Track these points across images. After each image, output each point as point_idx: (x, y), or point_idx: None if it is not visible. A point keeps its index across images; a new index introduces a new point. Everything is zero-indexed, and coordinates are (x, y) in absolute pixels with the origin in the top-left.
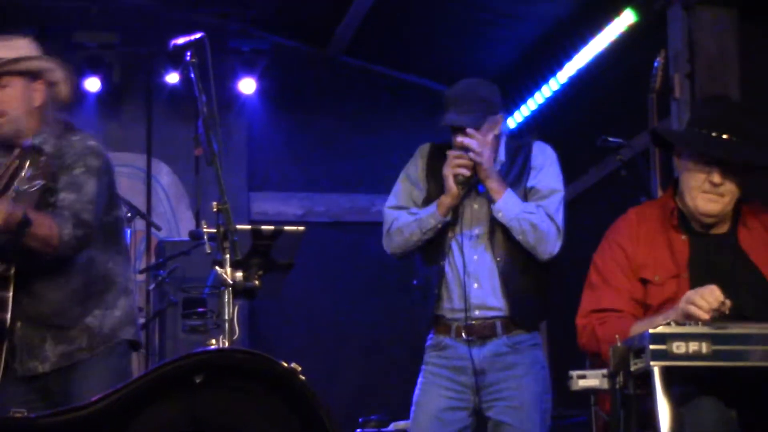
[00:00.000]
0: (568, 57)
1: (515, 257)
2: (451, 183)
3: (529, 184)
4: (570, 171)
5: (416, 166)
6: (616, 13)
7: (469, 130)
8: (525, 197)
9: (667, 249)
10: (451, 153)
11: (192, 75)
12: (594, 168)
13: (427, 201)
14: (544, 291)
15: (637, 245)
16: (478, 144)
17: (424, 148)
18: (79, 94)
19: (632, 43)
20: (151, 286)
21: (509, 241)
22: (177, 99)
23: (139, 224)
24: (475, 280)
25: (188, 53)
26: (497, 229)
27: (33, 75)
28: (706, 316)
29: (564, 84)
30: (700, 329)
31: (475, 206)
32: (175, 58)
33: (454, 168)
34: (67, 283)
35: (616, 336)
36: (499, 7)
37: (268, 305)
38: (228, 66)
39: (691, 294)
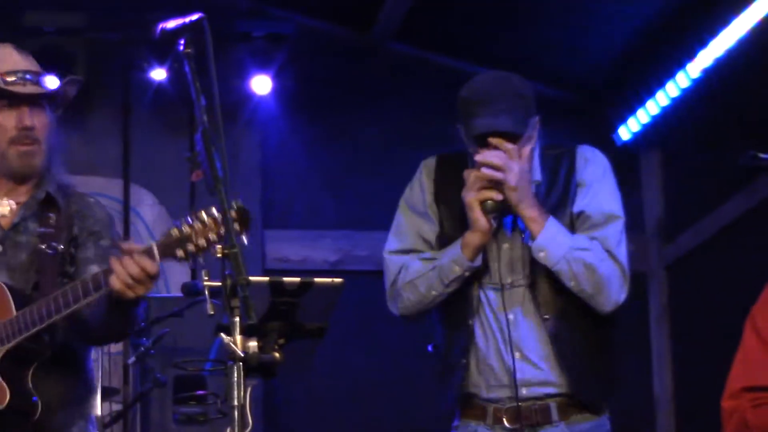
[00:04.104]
0: (703, 43)
1: (569, 313)
2: (478, 214)
3: (577, 207)
4: (705, 199)
5: (422, 191)
6: None
7: (492, 140)
8: (571, 226)
9: None
10: (471, 172)
11: (187, 70)
12: (738, 195)
13: (441, 238)
14: (610, 356)
15: None
16: (502, 157)
17: (429, 164)
18: None
19: None
20: (131, 360)
21: (559, 292)
22: (165, 104)
23: None
24: (516, 348)
25: (181, 41)
26: (541, 276)
27: (59, 102)
28: None
29: (696, 79)
30: None
31: (505, 246)
32: (162, 48)
33: (479, 192)
34: (60, 380)
35: None
36: None
37: (292, 385)
38: (236, 58)
39: None
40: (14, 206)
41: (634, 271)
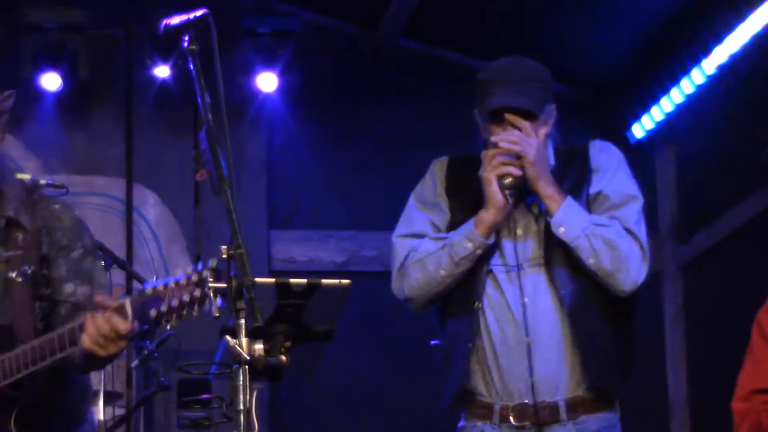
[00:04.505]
0: (718, 39)
1: (586, 294)
2: (494, 189)
3: (594, 189)
4: (720, 198)
5: (433, 185)
6: None
7: (509, 116)
8: (588, 209)
9: None
10: (489, 151)
11: (191, 68)
12: (754, 194)
13: (452, 227)
14: (629, 343)
15: None
16: (520, 135)
17: (441, 161)
18: (33, 93)
19: None
20: (134, 363)
21: (575, 273)
22: (168, 102)
23: (117, 276)
24: (528, 333)
25: (185, 37)
26: (557, 257)
27: None
28: None
29: (711, 76)
30: None
31: (519, 231)
32: (166, 45)
33: (496, 167)
34: (43, 414)
35: None
36: None
37: (298, 388)
38: (241, 54)
39: None
40: None
41: (650, 252)
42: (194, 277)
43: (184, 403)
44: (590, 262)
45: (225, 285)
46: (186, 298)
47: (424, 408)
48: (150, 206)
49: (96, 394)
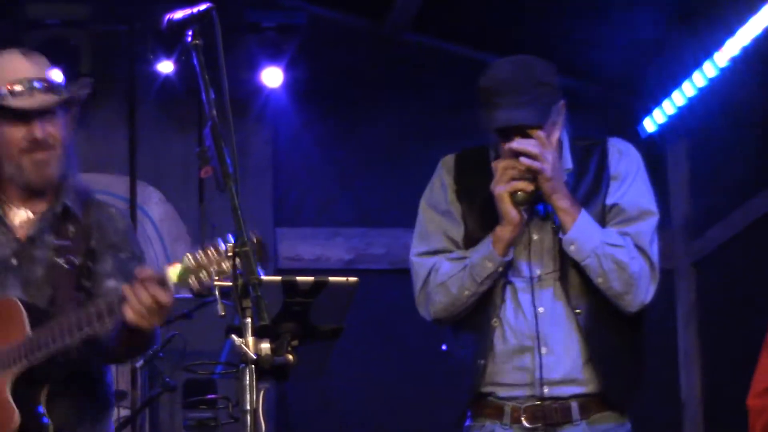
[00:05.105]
0: (730, 31)
1: (600, 307)
2: (508, 206)
3: (610, 200)
4: (733, 192)
5: (443, 189)
6: None
7: (521, 133)
8: (602, 218)
9: None
10: (499, 164)
11: (195, 63)
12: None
13: (467, 239)
14: (640, 354)
15: None
16: (538, 145)
17: (448, 162)
18: None
19: None
20: (139, 363)
21: (590, 285)
22: (172, 98)
23: None
24: (543, 343)
25: (189, 32)
26: (572, 268)
27: (71, 104)
28: None
29: (724, 68)
30: None
31: (535, 237)
32: (169, 40)
33: (509, 183)
34: (75, 398)
35: None
36: None
37: (306, 388)
38: (246, 49)
39: None
40: (31, 216)
41: (660, 268)
42: (231, 249)
43: (190, 404)
44: (599, 281)
45: (231, 284)
46: (223, 268)
47: (433, 407)
48: (154, 204)
49: None
